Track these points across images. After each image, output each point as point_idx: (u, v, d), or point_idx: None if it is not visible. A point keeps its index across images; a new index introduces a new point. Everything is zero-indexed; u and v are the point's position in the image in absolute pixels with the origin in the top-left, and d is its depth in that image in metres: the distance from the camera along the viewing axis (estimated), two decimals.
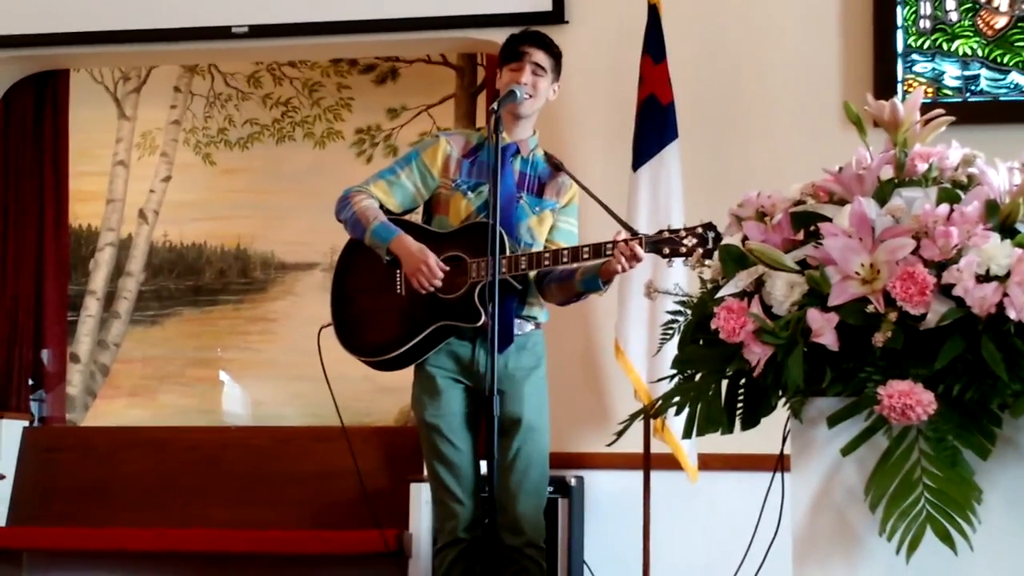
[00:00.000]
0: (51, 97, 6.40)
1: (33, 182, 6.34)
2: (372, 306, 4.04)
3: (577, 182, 4.09)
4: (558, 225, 4.13)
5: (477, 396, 3.96)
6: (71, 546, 5.53)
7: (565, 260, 3.87)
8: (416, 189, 4.08)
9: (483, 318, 3.82)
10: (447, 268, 3.90)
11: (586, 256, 3.84)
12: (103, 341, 6.60)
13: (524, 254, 3.91)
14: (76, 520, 5.68)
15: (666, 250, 3.74)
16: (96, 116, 6.68)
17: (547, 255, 3.88)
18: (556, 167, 4.12)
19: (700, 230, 3.69)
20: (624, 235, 3.80)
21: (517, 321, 4.01)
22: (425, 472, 4.18)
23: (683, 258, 3.68)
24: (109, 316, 6.62)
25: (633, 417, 2.59)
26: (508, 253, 3.87)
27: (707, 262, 2.46)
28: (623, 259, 3.75)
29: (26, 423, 6.07)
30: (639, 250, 3.75)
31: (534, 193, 4.10)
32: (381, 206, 4.04)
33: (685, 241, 3.71)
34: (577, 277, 3.98)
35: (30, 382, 6.26)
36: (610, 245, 3.78)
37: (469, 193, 4.03)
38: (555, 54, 4.12)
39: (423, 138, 6.13)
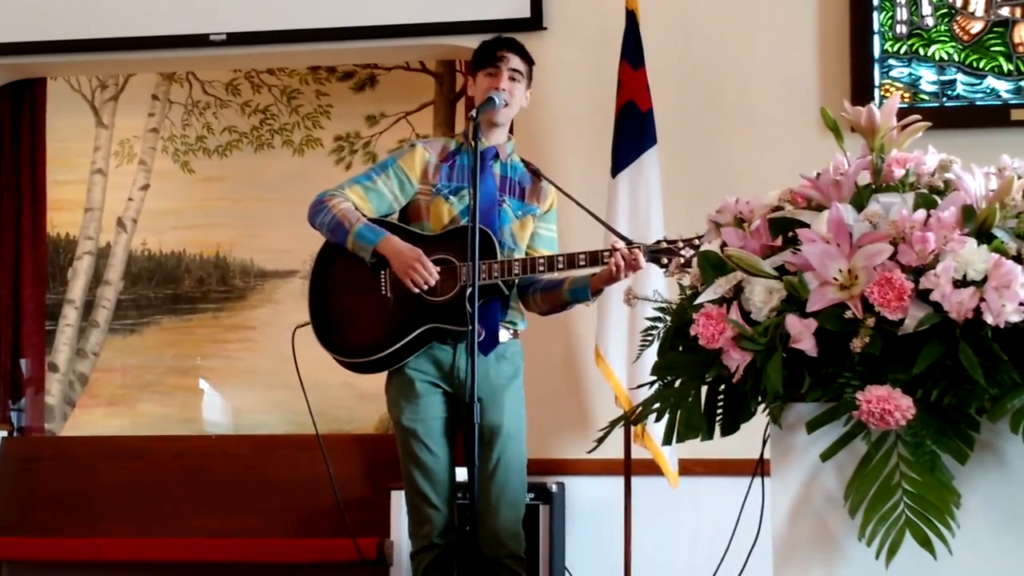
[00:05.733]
0: (28, 106, 6.38)
1: (10, 191, 6.31)
2: (355, 306, 3.99)
3: (563, 192, 4.08)
4: (539, 232, 4.12)
5: (456, 402, 3.95)
6: (51, 557, 5.50)
7: (561, 266, 3.86)
8: (393, 196, 4.03)
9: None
10: (438, 269, 3.89)
11: (582, 263, 3.83)
12: (82, 350, 6.58)
13: (517, 259, 3.90)
14: (56, 530, 5.66)
15: (664, 260, 3.75)
16: (74, 124, 6.67)
17: (542, 260, 3.88)
18: (535, 173, 4.11)
19: (697, 241, 3.70)
20: (620, 245, 3.80)
21: (500, 328, 4.01)
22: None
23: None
24: (88, 325, 6.60)
25: (613, 423, 2.59)
26: (499, 258, 3.87)
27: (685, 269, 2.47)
28: (621, 267, 3.75)
29: (4, 433, 6.05)
30: (642, 259, 3.76)
31: (516, 197, 4.09)
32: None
33: (683, 252, 3.71)
34: (565, 287, 3.97)
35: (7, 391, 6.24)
36: (607, 253, 3.79)
37: (451, 197, 4.01)
38: (530, 60, 4.12)
39: (402, 145, 6.15)
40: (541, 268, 3.87)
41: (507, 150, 4.11)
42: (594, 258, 3.82)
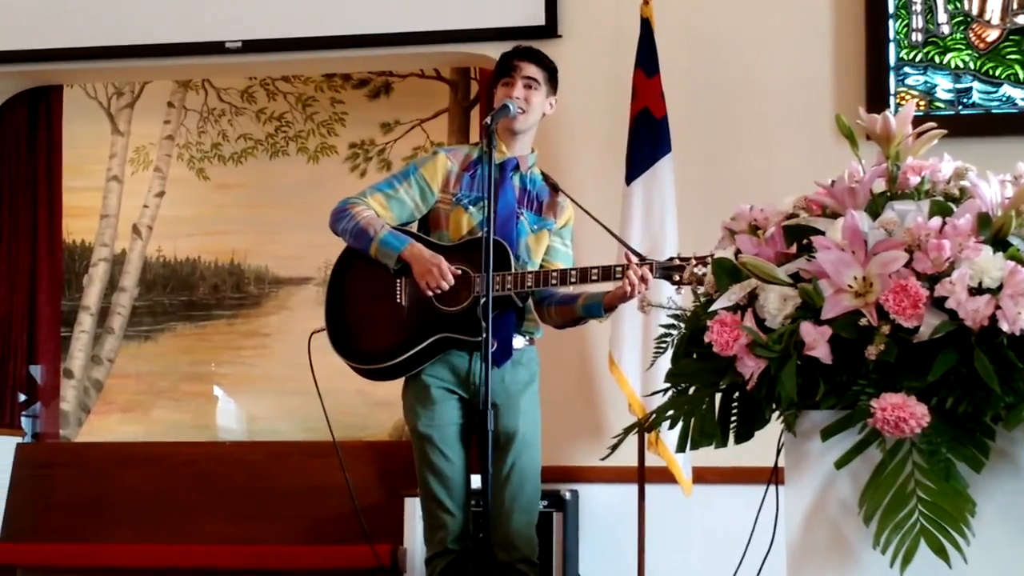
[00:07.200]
0: (44, 113, 6.41)
1: (27, 198, 6.34)
2: (369, 313, 3.98)
3: (580, 207, 4.07)
4: (555, 246, 4.11)
5: (471, 408, 3.94)
6: (65, 562, 5.51)
7: (574, 280, 3.85)
8: (415, 204, 4.03)
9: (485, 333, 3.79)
10: (459, 272, 3.89)
11: (595, 277, 3.83)
12: (97, 356, 6.60)
13: (531, 272, 3.90)
14: (70, 536, 5.67)
15: (676, 277, 3.74)
16: (90, 131, 6.70)
17: (555, 274, 3.87)
18: (554, 188, 4.11)
19: (710, 259, 3.68)
20: (633, 260, 3.80)
21: (514, 336, 4.00)
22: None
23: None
24: (103, 331, 6.62)
25: (627, 431, 2.58)
26: (513, 270, 3.86)
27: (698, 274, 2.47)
28: (632, 282, 3.74)
29: (19, 439, 6.06)
30: (649, 275, 3.75)
31: (534, 210, 4.08)
32: None
33: (695, 269, 3.70)
34: (580, 302, 3.97)
35: (23, 398, 6.25)
36: (620, 268, 3.78)
37: (471, 207, 3.99)
38: (548, 67, 4.10)
39: (417, 152, 6.16)
40: (554, 281, 3.87)
41: (528, 162, 4.10)
42: (607, 273, 3.81)
